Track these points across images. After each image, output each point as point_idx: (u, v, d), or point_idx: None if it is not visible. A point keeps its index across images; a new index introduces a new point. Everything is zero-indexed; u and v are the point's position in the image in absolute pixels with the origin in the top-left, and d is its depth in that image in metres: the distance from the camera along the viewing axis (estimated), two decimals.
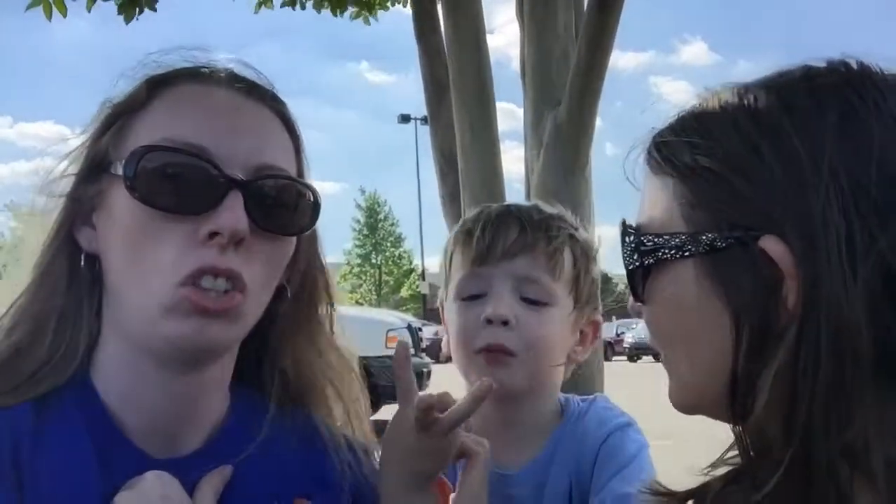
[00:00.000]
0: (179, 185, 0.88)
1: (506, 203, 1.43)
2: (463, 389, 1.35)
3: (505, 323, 1.27)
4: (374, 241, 50.21)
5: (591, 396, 1.39)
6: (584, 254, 1.36)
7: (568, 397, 1.38)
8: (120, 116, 0.94)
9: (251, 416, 1.01)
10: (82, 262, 0.94)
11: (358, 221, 50.65)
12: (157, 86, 0.95)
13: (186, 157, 0.89)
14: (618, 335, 32.37)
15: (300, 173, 1.00)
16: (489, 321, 1.27)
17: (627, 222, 0.79)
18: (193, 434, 0.95)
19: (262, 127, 0.96)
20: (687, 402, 0.79)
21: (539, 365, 1.30)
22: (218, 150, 0.89)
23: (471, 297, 1.31)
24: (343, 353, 1.12)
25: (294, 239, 0.98)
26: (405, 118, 41.53)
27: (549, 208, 1.38)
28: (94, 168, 0.94)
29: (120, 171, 0.89)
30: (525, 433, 1.33)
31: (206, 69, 0.98)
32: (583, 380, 2.89)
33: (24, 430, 0.86)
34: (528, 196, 4.12)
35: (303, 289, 1.06)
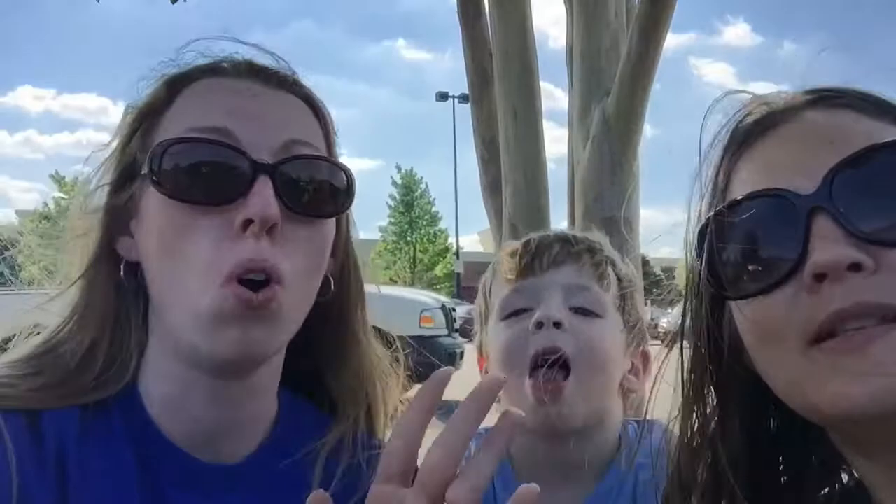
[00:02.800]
0: (206, 175, 0.86)
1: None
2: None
3: (557, 325, 1.18)
4: (409, 218, 50.32)
5: (648, 422, 1.24)
6: (629, 282, 1.31)
7: (626, 424, 1.28)
8: (144, 120, 0.93)
9: (301, 423, 0.99)
10: (121, 273, 0.93)
11: (394, 198, 50.78)
12: (177, 84, 0.93)
13: (210, 147, 0.86)
14: (652, 320, 32.76)
15: (330, 156, 0.97)
16: (539, 325, 1.19)
17: None
18: (242, 441, 0.94)
19: (286, 109, 0.93)
20: None
21: (596, 383, 1.20)
22: (243, 133, 0.87)
23: (515, 313, 1.24)
24: (381, 352, 1.08)
25: (333, 222, 0.95)
26: (443, 96, 41.42)
27: (592, 235, 1.34)
28: (125, 175, 0.93)
29: (147, 171, 0.88)
30: (579, 472, 1.23)
31: (225, 63, 0.96)
32: None
33: (71, 435, 0.86)
34: (571, 189, 4.05)
35: (344, 281, 1.03)
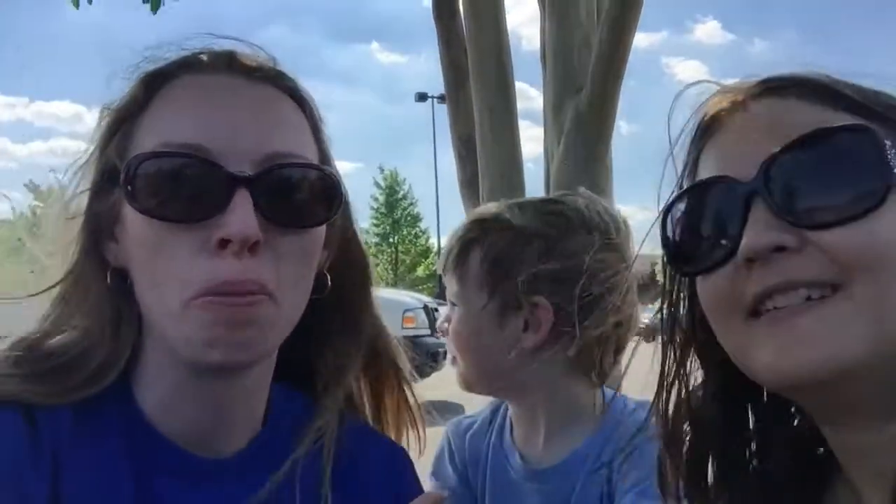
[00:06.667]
0: (181, 191, 0.83)
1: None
2: None
3: (443, 333, 1.43)
4: (392, 220, 50.13)
5: (645, 400, 1.35)
6: (515, 240, 1.33)
7: (620, 397, 1.35)
8: (122, 122, 0.90)
9: (292, 415, 1.00)
10: (108, 279, 0.91)
11: (376, 200, 50.56)
12: (155, 82, 0.90)
13: (184, 161, 0.83)
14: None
15: (321, 153, 0.95)
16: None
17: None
18: (235, 435, 0.94)
19: (269, 110, 0.90)
20: (861, 353, 0.68)
21: (471, 364, 1.36)
22: (220, 145, 0.84)
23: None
24: (388, 345, 1.09)
25: (322, 228, 0.93)
26: (422, 97, 41.32)
27: (484, 210, 1.42)
28: (105, 180, 0.90)
29: (122, 183, 0.85)
30: (552, 429, 1.33)
31: (204, 56, 0.92)
32: None
33: (65, 431, 0.86)
34: (547, 185, 4.09)
35: (341, 276, 1.01)
